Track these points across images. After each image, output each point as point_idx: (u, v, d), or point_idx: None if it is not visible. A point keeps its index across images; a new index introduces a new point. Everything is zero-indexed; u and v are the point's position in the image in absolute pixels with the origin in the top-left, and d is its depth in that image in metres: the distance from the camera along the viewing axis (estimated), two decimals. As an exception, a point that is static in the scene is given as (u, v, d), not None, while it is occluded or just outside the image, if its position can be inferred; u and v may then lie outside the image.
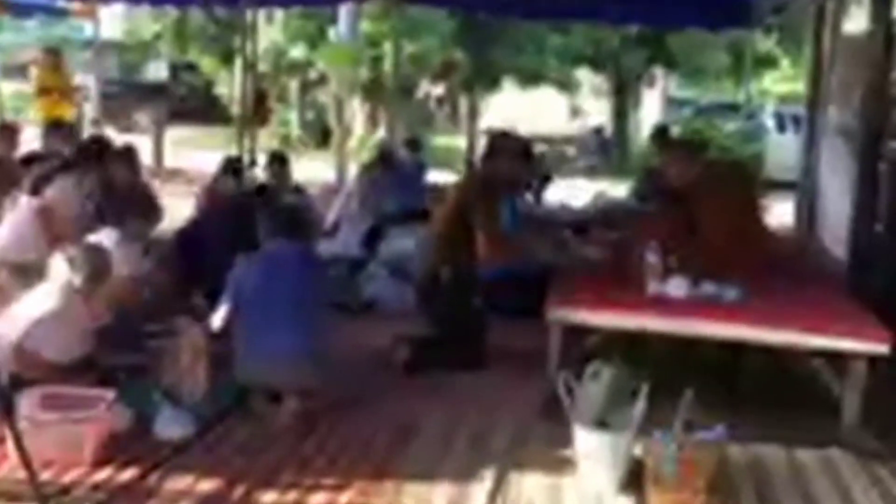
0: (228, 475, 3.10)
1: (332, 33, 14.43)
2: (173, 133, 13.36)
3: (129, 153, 5.88)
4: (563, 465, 3.23)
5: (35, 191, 5.00)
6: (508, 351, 4.35)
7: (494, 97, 17.49)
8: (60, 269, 3.62)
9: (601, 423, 3.08)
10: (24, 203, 4.94)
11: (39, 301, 3.53)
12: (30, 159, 5.82)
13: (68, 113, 9.62)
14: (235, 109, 11.99)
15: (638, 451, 3.10)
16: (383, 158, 7.45)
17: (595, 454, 3.07)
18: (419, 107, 16.42)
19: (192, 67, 18.85)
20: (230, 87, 15.09)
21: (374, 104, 14.84)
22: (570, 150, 16.46)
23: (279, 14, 14.51)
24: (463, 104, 18.24)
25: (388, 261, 5.70)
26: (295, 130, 16.25)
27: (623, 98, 17.23)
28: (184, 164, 11.63)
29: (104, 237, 4.37)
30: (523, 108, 20.82)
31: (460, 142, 14.55)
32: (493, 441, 3.49)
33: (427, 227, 5.87)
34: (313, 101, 16.50)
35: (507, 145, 4.80)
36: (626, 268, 4.13)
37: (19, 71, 20.40)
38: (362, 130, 14.79)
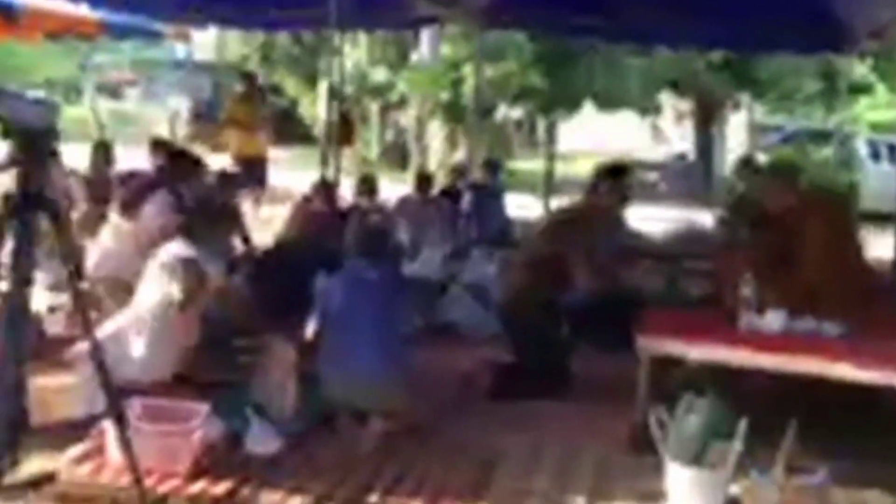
0: (316, 494, 3.13)
1: (414, 56, 14.63)
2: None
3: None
4: (651, 499, 3.14)
5: (126, 209, 5.18)
6: (594, 380, 4.29)
7: (573, 119, 17.35)
8: (155, 284, 3.69)
9: (696, 459, 2.99)
10: (115, 221, 5.12)
11: (136, 319, 3.61)
12: (127, 178, 6.05)
13: (259, 148, 9.04)
14: (318, 131, 12.18)
15: (735, 490, 2.99)
16: (446, 189, 7.41)
17: (689, 491, 2.98)
18: (498, 130, 16.43)
19: (276, 89, 19.36)
20: (313, 108, 15.43)
21: (453, 127, 14.93)
22: (652, 176, 16.17)
23: (363, 37, 14.79)
24: (541, 127, 18.18)
25: (471, 284, 5.68)
26: (374, 152, 16.48)
27: (707, 123, 16.87)
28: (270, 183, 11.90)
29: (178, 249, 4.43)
30: (603, 131, 20.59)
31: (538, 165, 14.50)
32: (578, 472, 3.44)
33: (511, 252, 5.86)
34: (394, 123, 16.73)
35: (610, 177, 4.77)
36: (719, 299, 4.01)
37: (111, 91, 21.25)
38: (441, 152, 14.90)
